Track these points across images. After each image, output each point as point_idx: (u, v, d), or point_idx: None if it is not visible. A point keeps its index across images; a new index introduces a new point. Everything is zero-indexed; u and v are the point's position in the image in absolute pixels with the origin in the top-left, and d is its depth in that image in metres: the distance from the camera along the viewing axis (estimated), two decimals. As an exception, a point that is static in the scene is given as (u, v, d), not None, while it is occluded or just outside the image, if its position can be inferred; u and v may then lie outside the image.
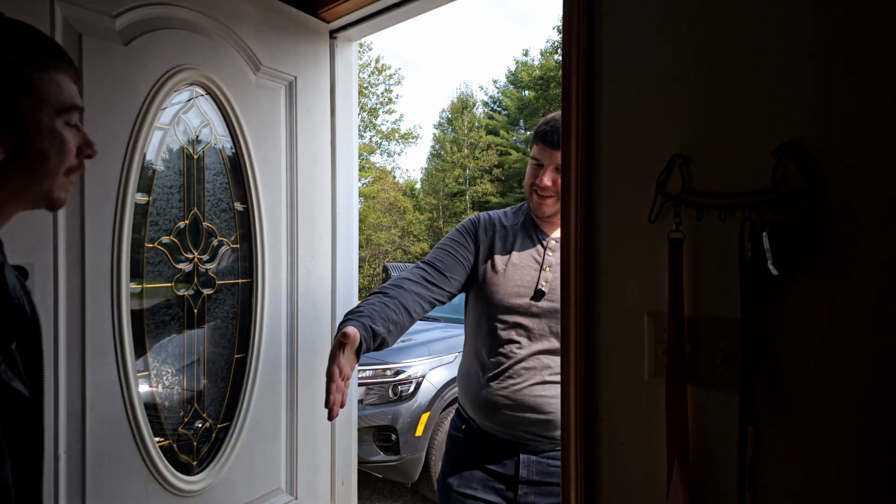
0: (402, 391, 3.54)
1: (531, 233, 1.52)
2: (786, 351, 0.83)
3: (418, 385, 3.56)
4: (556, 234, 1.51)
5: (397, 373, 3.57)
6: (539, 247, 1.50)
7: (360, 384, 3.48)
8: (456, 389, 2.68)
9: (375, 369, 3.58)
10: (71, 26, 1.23)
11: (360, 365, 3.35)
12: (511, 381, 1.44)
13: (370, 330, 1.21)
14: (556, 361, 1.41)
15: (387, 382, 3.54)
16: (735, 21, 0.88)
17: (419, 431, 3.48)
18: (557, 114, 1.45)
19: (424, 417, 3.51)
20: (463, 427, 1.53)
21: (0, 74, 0.67)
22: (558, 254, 1.47)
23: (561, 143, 1.07)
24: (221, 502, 1.57)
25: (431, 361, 3.70)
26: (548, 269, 1.48)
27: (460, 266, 1.50)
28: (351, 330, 1.15)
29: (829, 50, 0.80)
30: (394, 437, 3.44)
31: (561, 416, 1.08)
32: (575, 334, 1.04)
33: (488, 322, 1.48)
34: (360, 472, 2.23)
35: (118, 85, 1.32)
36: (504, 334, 1.46)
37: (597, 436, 1.03)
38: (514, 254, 1.50)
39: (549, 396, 1.42)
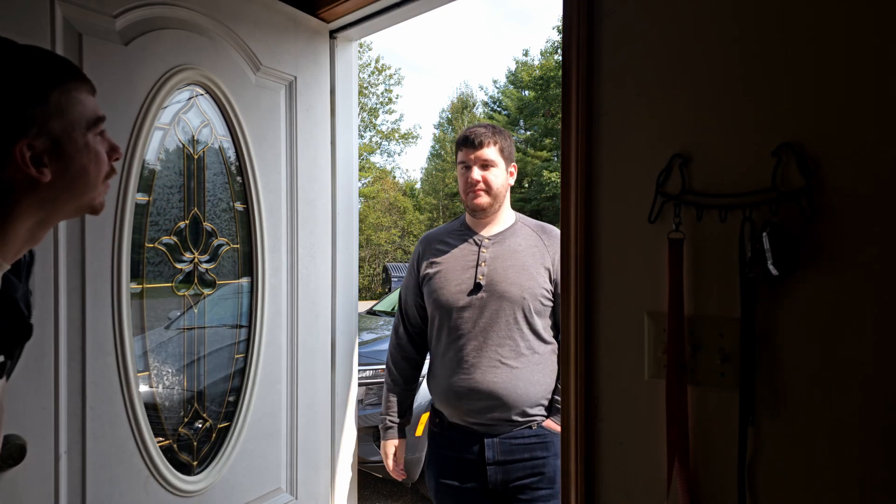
0: (402, 391, 3.54)
1: (466, 236, 1.70)
2: (786, 351, 0.83)
3: (418, 385, 3.56)
4: (487, 231, 1.69)
5: (397, 373, 3.57)
6: (472, 246, 1.67)
7: (360, 384, 3.47)
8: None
9: (375, 369, 3.58)
10: (71, 26, 1.23)
11: (360, 365, 3.35)
12: (466, 371, 1.58)
13: (400, 425, 1.81)
14: (506, 347, 1.57)
15: (387, 382, 3.54)
16: (735, 21, 0.88)
17: (419, 431, 3.47)
18: (473, 124, 1.75)
19: (424, 417, 3.50)
20: (437, 421, 1.71)
21: (35, 103, 0.71)
22: (495, 249, 1.65)
23: (561, 144, 1.08)
24: (222, 502, 1.57)
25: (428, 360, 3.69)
26: (483, 264, 1.63)
27: (422, 302, 1.74)
28: (391, 444, 1.81)
29: (829, 50, 0.80)
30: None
31: (561, 416, 1.08)
32: (575, 334, 1.04)
33: (440, 321, 1.66)
34: (360, 472, 2.23)
35: (118, 85, 1.32)
36: (454, 329, 1.62)
37: (597, 436, 1.03)
38: (450, 257, 1.68)
39: (502, 381, 1.56)
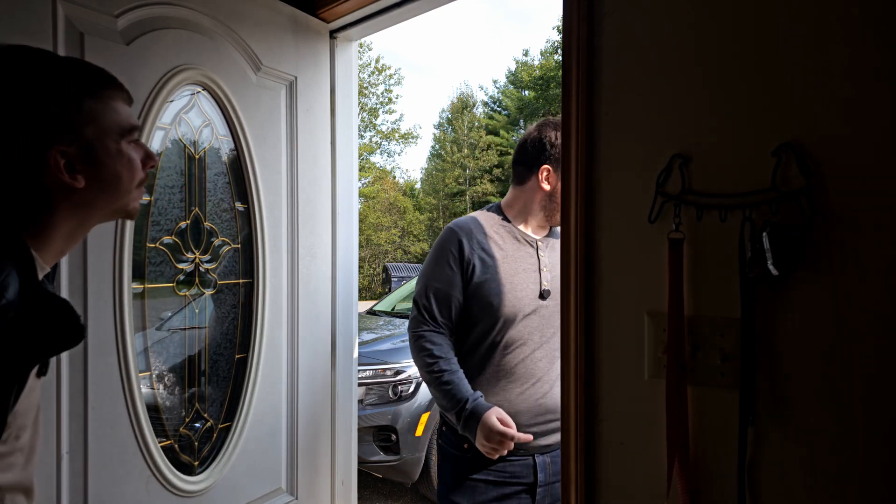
0: (402, 391, 3.54)
1: (517, 235, 1.55)
2: (786, 351, 0.83)
3: (418, 385, 3.56)
4: (539, 234, 1.57)
5: (397, 373, 3.57)
6: (529, 248, 1.54)
7: (360, 384, 3.48)
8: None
9: (375, 369, 3.58)
10: (73, 25, 1.23)
11: (360, 365, 3.36)
12: (537, 386, 1.45)
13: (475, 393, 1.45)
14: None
15: (387, 382, 3.54)
16: (735, 22, 0.88)
17: (419, 431, 3.47)
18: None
19: (424, 417, 3.51)
20: (465, 446, 1.46)
21: (69, 111, 0.73)
22: (550, 255, 1.52)
23: (561, 143, 1.08)
24: (222, 502, 1.58)
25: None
26: (545, 269, 1.51)
27: (462, 301, 1.50)
28: (492, 414, 1.39)
29: (829, 50, 0.80)
30: (394, 437, 3.44)
31: (561, 416, 1.08)
32: (575, 334, 1.04)
33: (490, 328, 1.46)
34: (360, 472, 2.23)
35: (119, 85, 1.32)
36: (514, 340, 1.46)
37: (597, 436, 1.03)
38: (510, 259, 1.51)
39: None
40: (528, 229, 1.57)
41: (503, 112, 28.29)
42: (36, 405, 0.77)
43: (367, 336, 4.20)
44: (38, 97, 0.72)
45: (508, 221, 1.57)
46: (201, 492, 1.52)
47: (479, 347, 1.48)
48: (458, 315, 1.50)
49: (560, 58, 2.09)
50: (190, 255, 1.53)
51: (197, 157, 1.56)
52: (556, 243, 1.56)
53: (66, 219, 0.75)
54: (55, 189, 0.73)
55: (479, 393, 1.44)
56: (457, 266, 1.49)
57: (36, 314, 0.67)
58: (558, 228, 1.53)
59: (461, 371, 1.46)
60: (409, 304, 5.26)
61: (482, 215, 1.60)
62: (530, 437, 1.41)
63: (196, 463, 1.54)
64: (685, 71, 0.92)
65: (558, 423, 1.35)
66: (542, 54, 27.06)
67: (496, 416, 1.38)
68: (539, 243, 1.55)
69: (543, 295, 1.48)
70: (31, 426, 0.75)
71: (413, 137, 26.54)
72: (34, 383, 0.73)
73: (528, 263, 1.51)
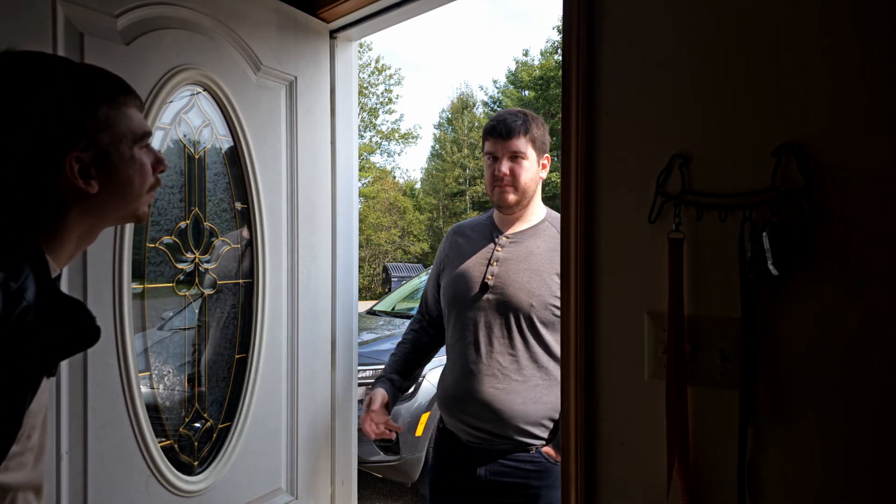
0: (402, 391, 3.54)
1: (489, 231, 1.60)
2: (786, 351, 0.83)
3: (418, 385, 3.56)
4: (511, 230, 1.57)
5: (397, 373, 3.57)
6: (490, 244, 1.56)
7: (360, 384, 3.47)
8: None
9: (375, 369, 3.58)
10: (72, 25, 1.23)
11: (360, 365, 3.35)
12: (465, 377, 1.48)
13: (390, 381, 1.64)
14: (507, 357, 1.46)
15: (387, 382, 3.54)
16: (735, 22, 0.88)
17: (419, 431, 3.47)
18: (503, 111, 1.58)
19: (424, 417, 3.51)
20: (441, 426, 1.61)
21: (85, 117, 0.74)
22: (511, 249, 1.52)
23: (561, 144, 1.08)
24: (222, 502, 1.57)
25: (431, 361, 3.69)
26: (495, 263, 1.51)
27: (438, 297, 1.67)
28: (375, 393, 1.61)
29: (830, 50, 0.80)
30: (394, 436, 3.44)
31: (561, 416, 1.08)
32: (575, 334, 1.04)
33: (448, 319, 1.59)
34: (360, 472, 2.23)
35: (119, 85, 1.32)
36: (460, 331, 1.52)
37: (597, 436, 1.03)
38: (469, 253, 1.58)
39: (499, 393, 1.43)
40: (510, 227, 1.58)
41: (503, 112, 28.25)
42: (45, 405, 0.78)
43: (367, 336, 4.21)
44: (54, 104, 0.73)
45: (493, 221, 1.63)
46: (201, 492, 1.52)
47: (447, 336, 1.61)
48: (439, 306, 1.67)
49: (560, 58, 2.09)
50: (190, 255, 1.53)
51: (197, 157, 1.55)
52: (535, 238, 1.54)
53: (78, 223, 0.76)
54: (69, 193, 0.74)
55: (386, 373, 1.67)
56: (436, 263, 1.71)
57: (52, 315, 0.68)
58: (550, 219, 1.59)
59: (410, 346, 1.71)
60: (409, 305, 5.26)
61: (482, 215, 1.70)
62: (372, 432, 1.55)
63: (196, 463, 1.54)
64: (686, 71, 0.92)
65: (489, 417, 1.43)
66: (542, 54, 27.06)
67: (375, 395, 1.60)
68: (503, 238, 1.55)
69: (482, 290, 1.50)
70: (40, 426, 0.76)
71: (413, 137, 26.54)
72: (44, 384, 0.74)
73: (482, 259, 1.55)
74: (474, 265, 1.55)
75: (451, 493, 1.52)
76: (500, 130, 1.49)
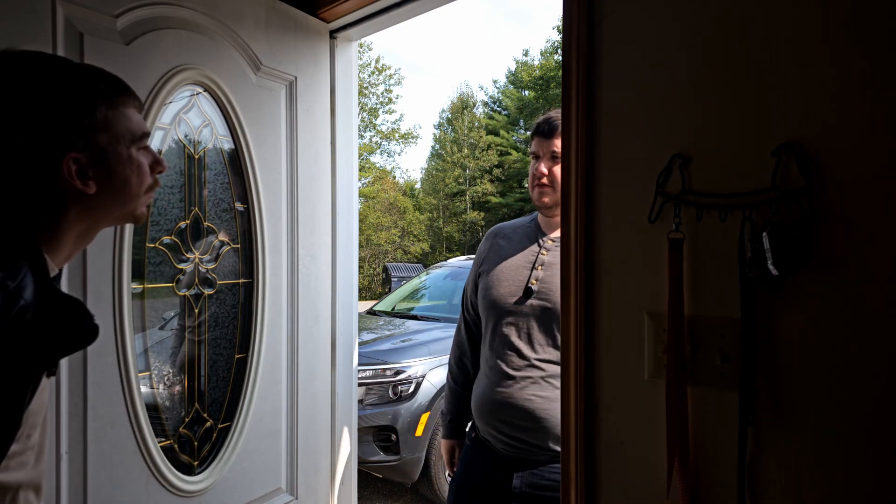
0: (402, 391, 3.54)
1: (534, 234, 1.52)
2: (786, 351, 0.83)
3: (418, 385, 3.56)
4: (556, 234, 1.49)
5: (397, 373, 3.57)
6: (535, 246, 1.49)
7: (360, 384, 3.48)
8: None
9: (375, 369, 3.58)
10: (72, 25, 1.23)
11: (360, 365, 3.36)
12: (505, 384, 1.42)
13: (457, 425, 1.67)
14: (552, 366, 1.39)
15: (387, 382, 3.54)
16: (735, 22, 0.88)
17: (419, 431, 3.47)
18: (554, 110, 1.51)
19: (424, 417, 3.51)
20: (473, 436, 1.54)
21: (83, 118, 0.74)
22: (555, 253, 1.46)
23: (561, 144, 1.08)
24: (222, 502, 1.57)
25: (431, 361, 3.69)
26: (540, 267, 1.46)
27: (476, 300, 1.60)
28: (444, 443, 1.69)
29: (830, 50, 0.80)
30: (394, 437, 3.44)
31: (561, 417, 1.08)
32: (575, 334, 1.04)
33: (487, 323, 1.51)
34: (360, 472, 2.23)
35: (119, 85, 1.32)
36: (498, 335, 1.46)
37: (597, 436, 1.03)
38: (510, 255, 1.51)
39: (541, 401, 1.38)
40: (555, 230, 1.51)
41: (503, 112, 28.26)
42: (45, 404, 0.79)
43: (367, 336, 4.20)
44: (53, 104, 0.73)
45: (537, 224, 1.55)
46: (201, 492, 1.52)
47: (484, 340, 1.54)
48: (478, 310, 1.59)
49: (560, 58, 2.09)
50: (190, 255, 1.53)
51: (197, 157, 1.55)
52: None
53: (76, 223, 0.76)
54: (67, 194, 0.74)
55: (448, 417, 1.69)
56: (475, 265, 1.64)
57: (51, 314, 0.68)
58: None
59: (462, 384, 1.66)
60: (409, 304, 5.26)
61: (525, 217, 1.64)
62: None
63: (196, 463, 1.54)
64: (686, 71, 0.92)
65: (528, 426, 1.37)
66: (542, 54, 27.04)
67: (444, 445, 1.68)
68: (549, 242, 1.49)
69: (525, 295, 1.43)
70: (40, 425, 0.76)
71: (413, 137, 26.50)
72: (44, 382, 0.74)
73: (525, 262, 1.48)
74: (517, 268, 1.49)
75: (478, 501, 1.47)
76: (544, 129, 1.46)
